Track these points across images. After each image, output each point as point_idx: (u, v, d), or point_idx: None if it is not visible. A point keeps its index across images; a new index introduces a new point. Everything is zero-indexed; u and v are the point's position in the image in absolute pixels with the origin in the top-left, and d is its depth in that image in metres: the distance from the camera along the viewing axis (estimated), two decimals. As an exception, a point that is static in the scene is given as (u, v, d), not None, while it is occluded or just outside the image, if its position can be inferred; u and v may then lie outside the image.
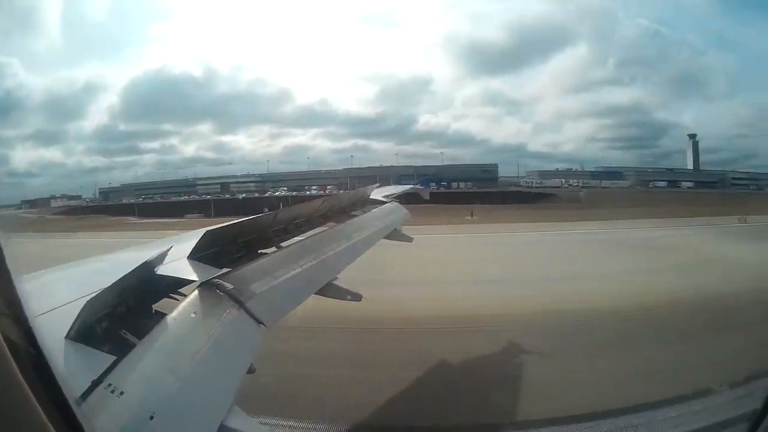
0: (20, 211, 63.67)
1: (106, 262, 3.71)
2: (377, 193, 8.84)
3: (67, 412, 1.41)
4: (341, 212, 6.66)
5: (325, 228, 5.76)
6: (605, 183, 63.16)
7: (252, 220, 4.38)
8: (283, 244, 4.60)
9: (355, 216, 6.86)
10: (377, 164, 67.80)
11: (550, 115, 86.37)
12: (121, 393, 1.82)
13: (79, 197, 69.46)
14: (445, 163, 66.87)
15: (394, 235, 7.33)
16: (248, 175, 68.33)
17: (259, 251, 4.26)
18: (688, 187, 61.55)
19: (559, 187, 61.58)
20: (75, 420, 1.44)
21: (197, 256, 3.38)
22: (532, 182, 64.42)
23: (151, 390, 1.96)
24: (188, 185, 68.92)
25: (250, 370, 2.68)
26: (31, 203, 68.03)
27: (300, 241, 4.86)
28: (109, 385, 1.83)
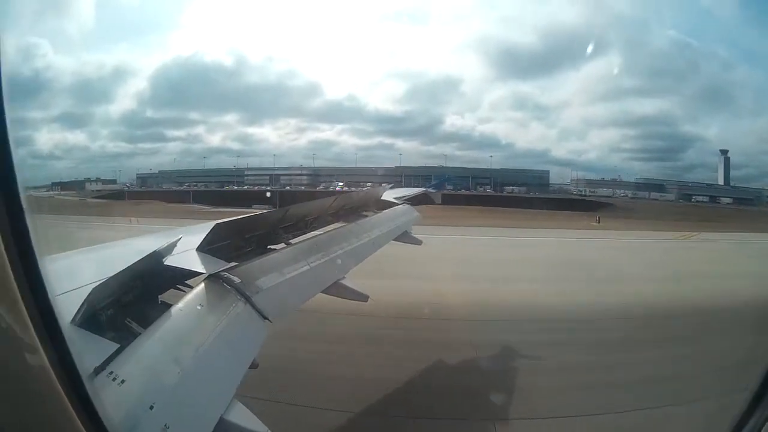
0: (54, 192, 63.43)
1: (115, 249, 3.72)
2: (389, 195, 8.81)
3: (80, 388, 1.41)
4: (352, 212, 6.64)
5: (336, 227, 5.74)
6: (653, 195, 62.81)
7: (262, 215, 4.38)
8: (293, 240, 4.58)
9: (366, 216, 6.84)
10: (420, 163, 66.93)
11: (575, 122, 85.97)
12: (122, 381, 1.81)
13: (114, 181, 69.28)
14: (497, 167, 66.51)
15: (404, 237, 7.30)
16: (300, 168, 67.83)
17: (268, 247, 4.26)
18: (727, 203, 61.02)
19: (610, 196, 61.32)
20: (87, 396, 1.44)
21: (206, 248, 3.38)
22: (585, 190, 64.07)
23: (152, 380, 1.96)
24: (234, 175, 68.53)
25: (253, 365, 2.66)
26: (63, 185, 67.97)
27: (309, 238, 4.84)
28: (111, 372, 1.82)
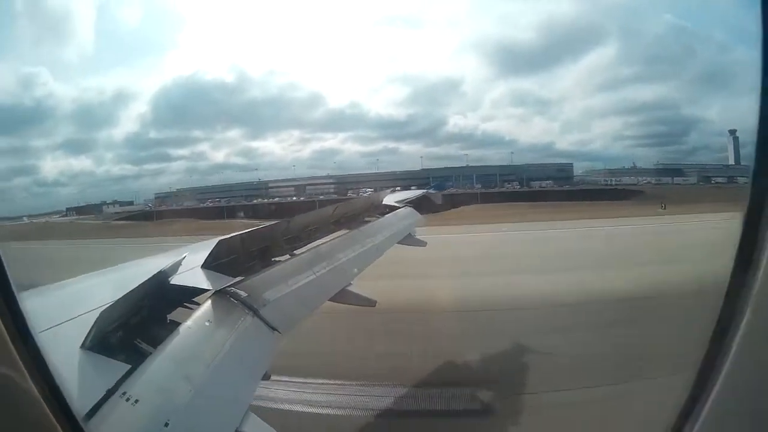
0: (72, 218, 63.31)
1: (121, 272, 3.75)
2: (390, 199, 8.83)
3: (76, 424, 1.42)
4: (354, 219, 6.66)
5: (339, 235, 5.76)
6: (677, 180, 62.40)
7: (265, 228, 4.40)
8: (297, 251, 4.61)
9: (368, 222, 6.86)
10: (436, 165, 66.75)
11: (577, 114, 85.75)
12: (136, 401, 1.84)
13: (131, 203, 68.78)
14: (520, 162, 66.23)
15: (408, 240, 7.31)
16: (326, 177, 67.38)
17: (272, 259, 4.29)
18: (744, 183, 60.38)
19: (634, 184, 60.93)
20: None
21: (211, 264, 3.41)
22: (611, 179, 63.59)
23: (165, 397, 1.98)
24: (257, 188, 68.14)
25: (266, 377, 2.69)
26: (78, 210, 67.51)
27: (313, 248, 4.86)
28: (124, 393, 1.85)
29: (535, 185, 61.51)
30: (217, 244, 3.47)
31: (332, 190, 64.77)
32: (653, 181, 61.53)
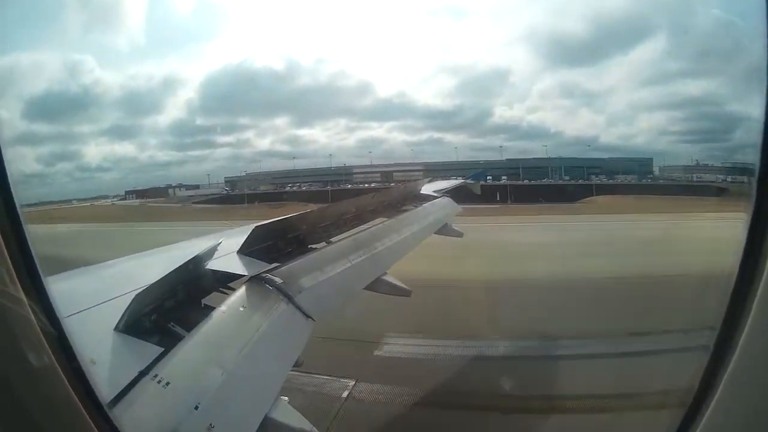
0: (138, 201, 63.80)
1: (157, 255, 3.81)
2: (428, 188, 8.74)
3: (101, 409, 1.42)
4: (392, 207, 6.60)
5: (376, 223, 5.72)
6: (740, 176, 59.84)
7: (302, 215, 4.39)
8: (333, 239, 4.59)
9: (406, 211, 6.79)
10: (504, 156, 66.31)
11: (624, 107, 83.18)
12: (167, 383, 1.84)
13: (196, 186, 69.55)
14: (597, 155, 65.38)
15: (445, 230, 7.21)
16: (412, 164, 67.30)
17: (309, 246, 4.28)
18: None
19: (714, 181, 59.05)
20: (109, 418, 1.44)
21: (247, 251, 3.42)
22: (692, 176, 61.78)
23: (196, 381, 1.98)
24: (343, 173, 68.51)
25: (297, 364, 2.67)
26: (138, 193, 68.51)
27: (350, 236, 4.83)
28: (156, 375, 1.86)
29: (621, 179, 60.21)
30: (253, 230, 3.47)
31: (419, 177, 64.47)
32: (729, 179, 59.17)
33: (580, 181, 58.28)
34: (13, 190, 1.24)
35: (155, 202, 62.68)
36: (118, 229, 31.74)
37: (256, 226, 3.60)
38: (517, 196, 51.71)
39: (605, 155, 65.49)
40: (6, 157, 1.24)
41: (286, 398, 2.30)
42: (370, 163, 67.47)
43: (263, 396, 2.21)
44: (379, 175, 63.75)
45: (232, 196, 62.73)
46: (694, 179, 58.67)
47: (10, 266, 1.17)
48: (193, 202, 61.38)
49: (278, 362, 2.55)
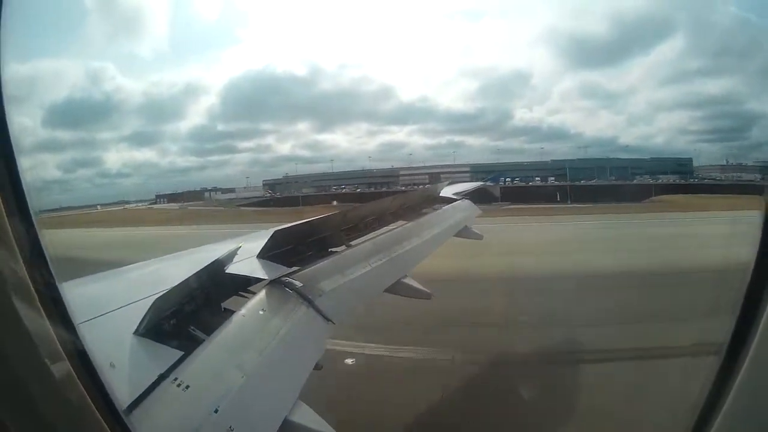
0: (176, 204, 63.64)
1: (178, 260, 3.84)
2: (448, 191, 8.68)
3: (117, 414, 1.41)
4: (411, 210, 6.57)
5: (396, 226, 5.69)
6: None
7: (322, 218, 4.39)
8: (353, 242, 4.57)
9: (425, 214, 6.75)
10: (556, 158, 66.12)
11: (644, 107, 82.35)
12: (187, 387, 1.84)
13: (232, 190, 70.29)
14: (636, 156, 65.14)
15: (465, 232, 7.15)
16: (459, 165, 67.29)
17: (329, 250, 4.27)
18: None
19: (752, 181, 58.28)
20: (126, 426, 1.43)
21: (267, 255, 3.42)
22: (731, 175, 60.99)
23: (216, 384, 1.97)
24: (389, 175, 68.88)
25: (317, 367, 2.65)
26: (170, 197, 68.52)
27: (369, 239, 4.81)
28: (176, 379, 1.85)
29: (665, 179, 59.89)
30: (273, 233, 3.48)
31: (467, 179, 64.06)
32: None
33: (635, 180, 58.59)
34: (28, 195, 1.25)
35: (195, 206, 62.70)
36: (193, 232, 31.96)
37: (276, 230, 3.60)
38: (576, 196, 51.78)
39: (646, 156, 65.11)
40: (22, 163, 1.24)
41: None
42: (415, 165, 67.53)
43: (283, 399, 2.20)
44: (426, 176, 63.59)
45: (279, 199, 62.73)
46: (734, 178, 57.62)
47: (25, 272, 1.17)
48: (238, 205, 61.40)
49: (298, 366, 2.54)
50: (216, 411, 1.82)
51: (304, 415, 2.18)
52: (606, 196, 48.77)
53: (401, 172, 65.91)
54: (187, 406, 1.79)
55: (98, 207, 62.71)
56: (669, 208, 39.16)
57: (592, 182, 59.50)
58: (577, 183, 58.68)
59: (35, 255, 1.23)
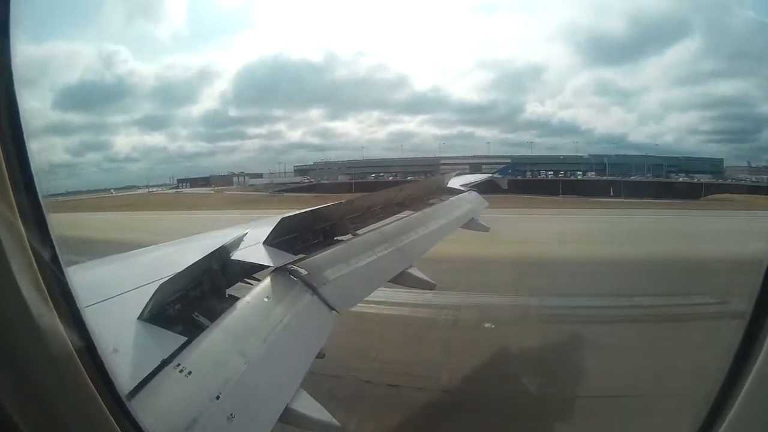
0: (209, 189, 63.86)
1: (184, 245, 3.85)
2: (455, 182, 8.64)
3: (119, 398, 1.42)
4: (418, 200, 6.54)
5: (402, 216, 5.68)
6: None
7: (328, 207, 4.38)
8: (360, 231, 4.57)
9: (432, 204, 6.73)
10: (593, 152, 65.79)
11: (656, 106, 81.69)
12: (189, 373, 1.85)
13: (260, 175, 70.85)
14: (663, 154, 64.94)
15: (471, 224, 7.12)
16: (496, 156, 66.55)
17: (335, 238, 4.27)
18: None
19: None
20: (128, 410, 1.44)
21: (273, 242, 3.42)
22: (764, 177, 60.50)
23: (219, 371, 1.98)
24: (433, 163, 68.46)
25: (320, 355, 2.66)
26: (193, 182, 68.54)
27: (376, 228, 4.80)
28: (178, 365, 1.86)
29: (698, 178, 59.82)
30: (279, 221, 3.47)
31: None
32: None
33: (683, 178, 58.59)
34: (36, 179, 1.24)
35: (229, 190, 62.72)
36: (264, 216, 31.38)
37: (283, 218, 3.60)
38: (630, 192, 51.60)
39: (678, 155, 64.91)
40: (30, 147, 1.24)
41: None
42: (455, 155, 67.12)
43: (285, 387, 2.22)
44: (467, 167, 63.54)
45: (322, 185, 62.23)
46: (765, 179, 57.15)
47: (31, 255, 1.17)
48: (278, 191, 60.76)
49: (301, 354, 2.56)
50: (218, 398, 1.83)
51: (306, 404, 2.19)
52: (660, 193, 48.97)
53: (442, 162, 65.22)
54: (189, 392, 1.80)
55: (112, 191, 62.70)
56: (731, 206, 39.08)
57: (640, 178, 59.92)
58: (628, 178, 58.97)
59: (41, 239, 1.23)
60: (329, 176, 67.70)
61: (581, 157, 64.90)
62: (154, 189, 66.19)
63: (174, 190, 66.31)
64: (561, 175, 61.66)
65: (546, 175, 62.42)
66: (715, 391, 1.74)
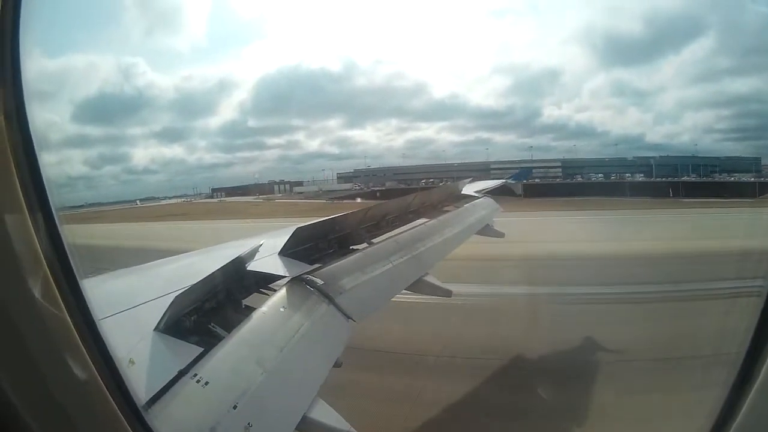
0: (256, 198, 63.37)
1: (200, 257, 3.87)
2: (469, 189, 8.60)
3: (138, 413, 1.41)
4: (433, 208, 6.52)
5: (417, 224, 5.65)
6: None
7: (343, 216, 4.37)
8: (375, 240, 4.55)
9: (447, 212, 6.69)
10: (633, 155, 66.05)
11: (672, 106, 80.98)
12: (206, 383, 1.84)
13: (300, 183, 71.54)
14: (701, 155, 64.92)
15: (486, 230, 7.07)
16: (547, 160, 66.54)
17: (350, 247, 4.25)
18: None
19: None
20: (145, 421, 1.43)
21: (288, 252, 3.42)
22: None
23: (236, 381, 1.98)
24: (481, 169, 68.34)
25: (337, 364, 2.64)
26: (228, 191, 68.47)
27: (391, 237, 4.78)
28: (195, 375, 1.86)
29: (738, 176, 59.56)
30: (294, 231, 3.47)
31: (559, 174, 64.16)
32: None
33: (728, 178, 58.05)
34: (49, 192, 1.25)
35: (276, 199, 62.68)
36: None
37: (298, 228, 3.60)
38: (686, 192, 51.33)
39: (719, 155, 64.82)
40: (43, 159, 1.24)
41: None
42: (505, 159, 66.94)
43: (302, 396, 2.20)
44: (517, 170, 63.63)
45: (374, 191, 61.48)
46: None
47: (46, 269, 1.17)
48: (336, 198, 60.21)
49: (318, 363, 2.54)
50: (235, 407, 1.82)
51: (323, 412, 2.17)
52: (718, 192, 47.91)
53: (492, 166, 65.10)
54: (206, 402, 1.80)
55: (137, 202, 63.06)
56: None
57: (694, 178, 59.64)
58: (685, 179, 58.51)
59: (57, 251, 1.23)
60: (375, 182, 67.85)
61: (625, 159, 65.11)
62: (189, 198, 66.39)
63: (207, 199, 66.44)
64: (613, 177, 61.55)
65: (596, 177, 62.24)
66: (726, 390, 1.71)
